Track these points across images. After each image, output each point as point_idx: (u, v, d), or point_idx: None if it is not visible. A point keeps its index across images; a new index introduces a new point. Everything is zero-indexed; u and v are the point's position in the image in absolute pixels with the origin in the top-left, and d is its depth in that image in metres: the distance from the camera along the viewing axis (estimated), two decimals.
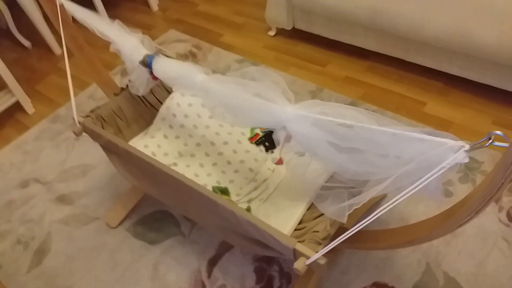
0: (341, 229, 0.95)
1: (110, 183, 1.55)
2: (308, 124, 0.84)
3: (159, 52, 1.11)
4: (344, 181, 0.95)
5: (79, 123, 1.20)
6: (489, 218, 1.25)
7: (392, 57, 1.74)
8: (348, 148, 0.81)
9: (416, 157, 0.70)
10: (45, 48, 2.28)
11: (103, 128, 1.23)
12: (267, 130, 1.29)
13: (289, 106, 0.87)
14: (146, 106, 1.34)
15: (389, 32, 1.58)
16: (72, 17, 1.21)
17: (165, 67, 1.05)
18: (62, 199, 1.53)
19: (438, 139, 0.67)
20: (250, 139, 1.28)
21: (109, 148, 1.19)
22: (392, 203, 0.70)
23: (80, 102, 1.92)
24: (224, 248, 1.31)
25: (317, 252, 0.81)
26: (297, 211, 1.03)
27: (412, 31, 1.49)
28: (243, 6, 2.31)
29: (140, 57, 1.10)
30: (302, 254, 0.82)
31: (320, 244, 0.85)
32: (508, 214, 1.26)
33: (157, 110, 1.34)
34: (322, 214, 0.95)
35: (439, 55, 1.54)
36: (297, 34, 1.99)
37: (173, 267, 1.29)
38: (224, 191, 1.15)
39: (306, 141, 0.86)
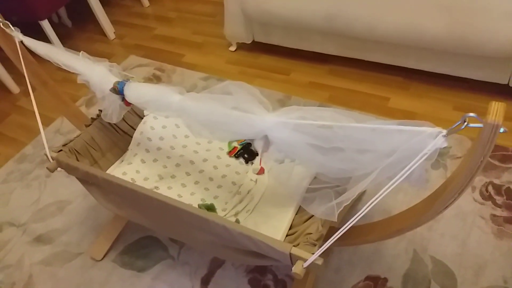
0: (331, 229, 0.97)
1: (89, 216, 1.51)
2: (289, 130, 0.86)
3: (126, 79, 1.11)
4: (328, 181, 0.98)
5: (53, 158, 1.17)
6: (464, 199, 1.32)
7: (351, 58, 1.81)
8: (330, 148, 0.84)
9: (397, 148, 0.74)
10: (1, 88, 2.21)
11: (78, 161, 1.20)
12: (244, 142, 1.31)
13: (268, 115, 0.89)
14: (119, 134, 1.32)
15: (345, 35, 1.65)
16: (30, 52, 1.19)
17: (137, 91, 1.05)
18: (40, 239, 1.47)
19: (417, 128, 0.71)
20: (229, 153, 1.29)
21: (87, 180, 1.17)
22: (380, 195, 0.73)
23: (47, 138, 1.84)
24: (215, 265, 1.30)
25: (313, 253, 0.83)
26: (286, 217, 1.05)
27: (367, 31, 1.56)
28: (200, 26, 2.34)
29: (110, 85, 1.09)
30: (299, 258, 0.83)
31: (315, 245, 0.87)
32: (481, 193, 1.33)
33: (131, 136, 1.33)
34: (312, 216, 0.97)
35: (395, 51, 1.62)
36: (257, 47, 2.04)
37: None
38: (210, 208, 1.15)
39: (288, 146, 0.89)
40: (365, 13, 1.52)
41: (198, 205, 1.15)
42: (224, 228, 0.91)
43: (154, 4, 2.62)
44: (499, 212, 1.28)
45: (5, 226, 1.54)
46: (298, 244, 0.89)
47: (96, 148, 1.27)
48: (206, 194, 1.20)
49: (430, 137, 0.70)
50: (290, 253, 0.84)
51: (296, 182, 1.10)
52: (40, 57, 1.17)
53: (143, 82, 1.12)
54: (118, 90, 1.08)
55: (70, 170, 1.16)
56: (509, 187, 1.34)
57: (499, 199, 1.31)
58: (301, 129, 0.85)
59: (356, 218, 0.76)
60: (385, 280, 1.18)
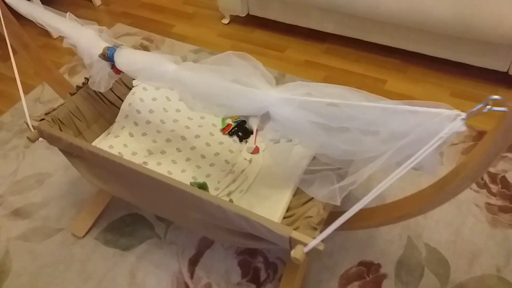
0: (330, 213, 0.94)
1: (71, 190, 1.44)
2: (293, 107, 0.81)
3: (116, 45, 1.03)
4: (329, 162, 0.94)
5: (34, 127, 1.09)
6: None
7: (349, 37, 1.75)
8: (336, 128, 0.80)
9: (410, 130, 0.70)
10: None
11: (61, 131, 1.12)
12: (239, 119, 1.25)
13: (271, 90, 0.83)
14: (106, 104, 1.24)
15: (346, 13, 1.59)
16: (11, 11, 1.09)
17: (129, 58, 0.97)
18: (18, 213, 1.39)
19: (433, 109, 0.66)
20: (222, 130, 1.23)
21: (70, 152, 1.09)
22: (392, 178, 0.69)
23: (27, 106, 1.75)
24: (204, 245, 1.25)
25: (314, 238, 0.79)
26: (283, 198, 1.00)
27: (369, 9, 1.50)
28: None
29: (99, 50, 1.01)
30: (299, 242, 0.79)
31: (315, 229, 0.82)
32: (476, 181, 1.31)
33: (118, 108, 1.25)
34: (311, 198, 0.93)
35: (396, 32, 1.57)
36: (251, 21, 1.95)
37: (152, 271, 1.21)
38: (203, 186, 1.09)
39: (291, 124, 0.83)
40: None
41: (190, 183, 1.10)
42: (219, 208, 0.86)
43: None
44: (493, 200, 1.27)
45: None
46: (297, 228, 0.85)
47: (81, 118, 1.18)
48: (197, 172, 1.15)
49: (447, 120, 0.66)
50: (290, 236, 0.79)
51: (294, 162, 1.05)
52: (21, 18, 1.07)
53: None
54: (107, 56, 1.00)
55: (52, 140, 1.08)
56: (504, 176, 1.32)
57: (494, 188, 1.29)
58: (306, 107, 0.80)
59: (363, 202, 0.72)
60: (378, 266, 1.16)
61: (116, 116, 1.25)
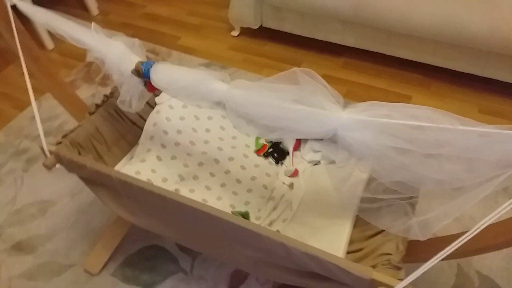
0: None
1: (80, 220, 1.29)
2: (370, 130, 0.72)
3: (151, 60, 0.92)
4: (385, 190, 0.85)
5: (51, 152, 0.95)
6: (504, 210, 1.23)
7: (368, 51, 1.69)
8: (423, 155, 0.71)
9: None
10: None
11: (80, 156, 0.99)
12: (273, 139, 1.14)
13: (342, 111, 0.74)
14: (127, 124, 1.12)
15: (372, 26, 1.52)
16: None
17: (169, 75, 0.86)
18: (20, 247, 1.24)
19: None
20: (257, 151, 1.13)
21: (93, 181, 0.96)
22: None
23: (22, 124, 1.60)
24: (236, 280, 1.13)
25: (399, 279, 0.69)
26: (343, 230, 0.90)
27: (398, 23, 1.44)
28: (197, 6, 2.12)
29: (131, 66, 0.89)
30: (382, 285, 0.69)
31: (399, 268, 0.73)
32: None
33: (140, 128, 1.13)
34: (380, 232, 0.83)
35: (423, 46, 1.51)
36: (263, 33, 1.86)
37: None
38: (245, 216, 0.98)
39: (365, 149, 0.74)
40: (399, 3, 1.39)
41: (232, 212, 0.98)
42: (283, 246, 0.75)
43: None
44: None
45: None
46: (374, 267, 0.75)
47: (101, 141, 1.06)
48: (235, 200, 1.03)
49: None
50: (371, 278, 0.69)
51: (348, 188, 0.96)
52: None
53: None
54: (142, 72, 0.88)
55: (73, 167, 0.95)
56: None
57: None
58: (385, 130, 0.71)
59: (467, 237, 0.63)
60: None
61: (138, 137, 1.13)
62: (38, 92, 1.73)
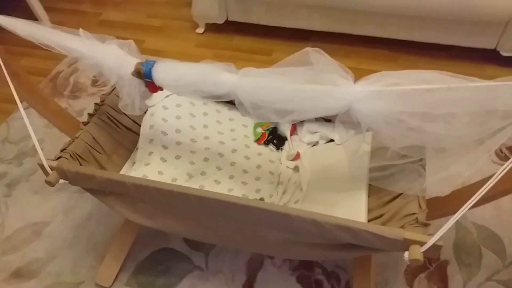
0: None
1: (80, 235, 1.25)
2: (384, 99, 0.76)
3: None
4: (392, 156, 0.90)
5: (52, 168, 0.92)
6: (483, 162, 1.33)
7: (334, 33, 1.74)
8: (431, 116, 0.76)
9: None
10: None
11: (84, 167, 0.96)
12: (270, 127, 1.16)
13: (355, 85, 0.77)
14: (122, 131, 1.09)
15: (337, 8, 1.58)
16: None
17: (173, 72, 0.86)
18: (20, 274, 1.17)
19: None
20: (257, 140, 1.14)
21: (102, 191, 0.93)
22: None
23: None
24: (253, 268, 1.15)
25: (429, 235, 0.74)
26: (360, 201, 0.93)
27: (364, 2, 1.50)
28: (154, 8, 2.09)
29: (130, 68, 0.88)
30: (415, 242, 0.74)
31: (427, 225, 0.77)
32: (497, 154, 1.35)
33: (135, 133, 1.11)
34: (398, 195, 0.88)
35: (387, 22, 1.59)
36: (228, 27, 1.87)
37: None
38: None
39: (380, 118, 0.78)
40: None
41: None
42: (314, 222, 0.78)
43: None
44: None
45: None
46: (402, 227, 0.79)
47: (100, 150, 1.03)
48: (246, 189, 1.04)
49: None
50: (404, 238, 0.74)
51: (356, 161, 1.00)
52: None
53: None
54: (143, 73, 0.87)
55: (79, 180, 0.91)
56: None
57: None
58: (399, 97, 0.75)
59: (490, 184, 0.69)
60: None
61: (135, 143, 1.11)
62: (3, 114, 1.65)
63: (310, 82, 0.80)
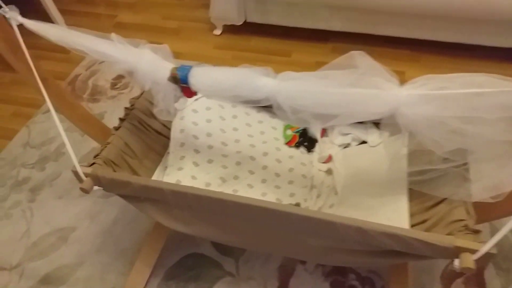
0: None
1: (107, 241, 1.23)
2: (432, 103, 0.74)
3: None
4: (431, 160, 0.88)
5: (86, 175, 0.90)
6: None
7: (353, 33, 1.72)
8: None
9: None
10: None
11: (118, 173, 0.95)
12: (300, 129, 1.15)
13: (401, 88, 0.76)
14: (153, 135, 1.08)
15: (358, 8, 1.56)
16: None
17: (210, 78, 0.84)
18: (49, 281, 1.16)
19: None
20: (288, 142, 1.13)
21: (137, 197, 0.92)
22: None
23: (15, 154, 1.50)
24: (286, 274, 1.13)
25: (481, 242, 0.72)
26: (401, 206, 0.91)
27: (386, 1, 1.48)
28: (170, 10, 2.07)
29: (166, 73, 0.86)
30: (467, 250, 0.72)
31: (477, 232, 0.75)
32: None
33: (165, 137, 1.10)
34: (441, 200, 0.85)
35: (410, 22, 1.57)
36: (246, 29, 1.85)
37: None
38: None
39: (427, 122, 0.76)
40: None
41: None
42: (359, 230, 0.76)
43: None
44: None
45: None
46: (450, 234, 0.77)
47: (132, 155, 1.01)
48: (279, 193, 1.03)
49: None
50: (454, 246, 0.72)
51: (394, 165, 0.98)
52: None
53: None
54: (179, 78, 0.85)
55: (114, 187, 0.90)
56: None
57: None
58: (447, 102, 0.73)
59: None
60: None
61: (165, 147, 1.10)
62: (23, 118, 1.63)
63: (353, 85, 0.78)
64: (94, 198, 1.33)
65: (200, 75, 0.84)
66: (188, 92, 0.88)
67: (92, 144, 1.46)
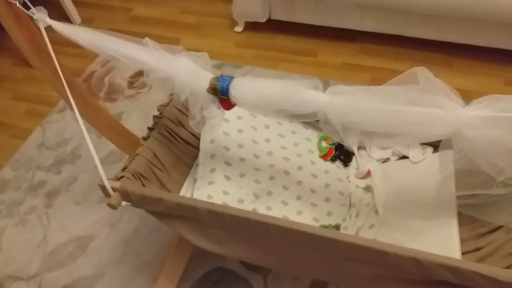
0: None
1: (128, 251, 1.18)
2: (500, 126, 0.67)
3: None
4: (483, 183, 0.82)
5: (114, 189, 0.84)
6: None
7: (382, 34, 1.65)
8: None
9: None
10: None
11: (147, 188, 0.89)
12: (335, 141, 1.08)
13: (465, 109, 0.69)
14: (181, 145, 1.02)
15: (392, 9, 1.48)
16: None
17: (253, 90, 0.77)
18: None
19: None
20: (323, 156, 1.06)
21: (168, 214, 0.86)
22: None
23: (30, 155, 1.44)
24: None
25: None
26: (451, 231, 0.85)
27: (423, 3, 1.40)
28: (189, 4, 1.99)
29: (204, 83, 0.80)
30: None
31: None
32: None
33: (194, 147, 1.04)
34: (495, 228, 0.79)
35: (445, 25, 1.49)
36: (269, 26, 1.77)
37: None
38: (337, 229, 0.92)
39: (493, 146, 0.69)
40: None
41: (320, 226, 0.92)
42: (414, 260, 0.70)
43: None
44: None
45: (9, 282, 1.14)
46: (509, 267, 0.71)
47: (161, 167, 0.95)
48: (316, 212, 0.97)
49: None
50: None
51: (441, 185, 0.92)
52: None
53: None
54: (219, 89, 0.79)
55: (144, 203, 0.84)
56: None
57: None
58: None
59: None
60: None
61: (194, 158, 1.04)
62: (37, 116, 1.57)
63: (412, 104, 0.71)
64: None
65: (242, 87, 0.78)
66: (227, 104, 0.82)
67: (110, 147, 1.40)
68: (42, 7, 0.81)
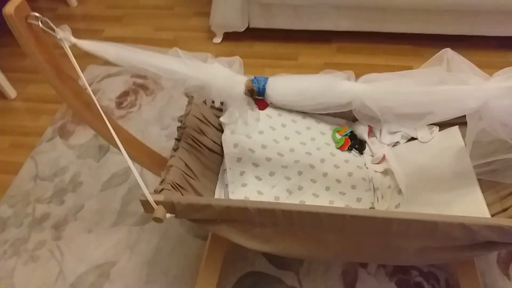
0: None
1: (153, 271, 1.15)
2: None
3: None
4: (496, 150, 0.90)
5: (157, 203, 0.83)
6: None
7: (356, 32, 1.74)
8: None
9: None
10: None
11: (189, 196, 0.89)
12: (348, 132, 1.13)
13: (489, 82, 0.77)
14: (205, 152, 1.02)
15: (366, 7, 1.58)
16: None
17: (291, 88, 0.81)
18: None
19: None
20: (340, 147, 1.11)
21: (213, 220, 0.86)
22: None
23: (25, 188, 1.36)
24: (350, 280, 1.11)
25: None
26: (477, 197, 0.92)
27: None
28: (161, 21, 1.99)
29: (239, 87, 0.82)
30: None
31: None
32: None
33: (217, 153, 1.05)
34: None
35: (416, 17, 1.61)
36: (247, 35, 1.81)
37: None
38: None
39: None
40: None
41: None
42: (461, 226, 0.76)
43: (84, 3, 2.13)
44: None
45: None
46: None
47: (192, 176, 0.95)
48: (347, 199, 1.01)
49: None
50: None
51: (458, 158, 0.99)
52: None
53: None
54: (255, 90, 0.81)
55: (190, 212, 0.84)
56: None
57: None
58: None
59: None
60: None
61: (217, 164, 1.05)
62: (24, 149, 1.50)
63: (441, 83, 0.78)
64: (128, 227, 1.24)
65: (278, 86, 0.81)
66: (263, 104, 0.84)
67: (112, 170, 1.38)
68: (66, 26, 0.80)
